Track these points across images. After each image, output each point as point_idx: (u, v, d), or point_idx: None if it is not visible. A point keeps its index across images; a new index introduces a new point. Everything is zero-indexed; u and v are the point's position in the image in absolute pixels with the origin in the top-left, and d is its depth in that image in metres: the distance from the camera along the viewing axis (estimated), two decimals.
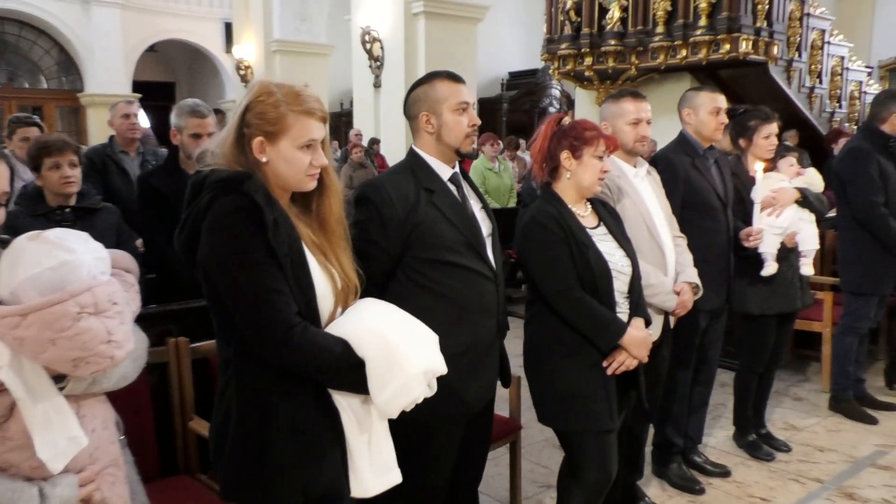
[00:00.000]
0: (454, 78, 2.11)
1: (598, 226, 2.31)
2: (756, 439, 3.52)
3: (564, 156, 2.24)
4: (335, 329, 1.56)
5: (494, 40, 12.95)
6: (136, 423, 2.35)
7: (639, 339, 2.21)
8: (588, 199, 2.34)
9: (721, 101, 2.95)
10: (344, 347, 1.51)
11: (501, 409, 2.86)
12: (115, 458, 1.39)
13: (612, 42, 7.03)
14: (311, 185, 1.60)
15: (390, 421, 1.63)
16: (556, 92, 13.29)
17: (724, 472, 3.27)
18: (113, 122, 3.93)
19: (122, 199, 3.57)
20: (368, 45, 10.57)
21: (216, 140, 1.61)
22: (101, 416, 1.38)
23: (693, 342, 3.06)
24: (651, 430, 3.14)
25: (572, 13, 7.33)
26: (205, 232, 1.47)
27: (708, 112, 2.93)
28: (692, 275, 2.73)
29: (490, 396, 2.23)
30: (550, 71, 8.50)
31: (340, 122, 14.48)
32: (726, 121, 2.98)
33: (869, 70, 8.91)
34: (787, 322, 3.43)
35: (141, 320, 2.63)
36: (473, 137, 2.13)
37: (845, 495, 3.11)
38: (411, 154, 2.15)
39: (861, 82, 8.00)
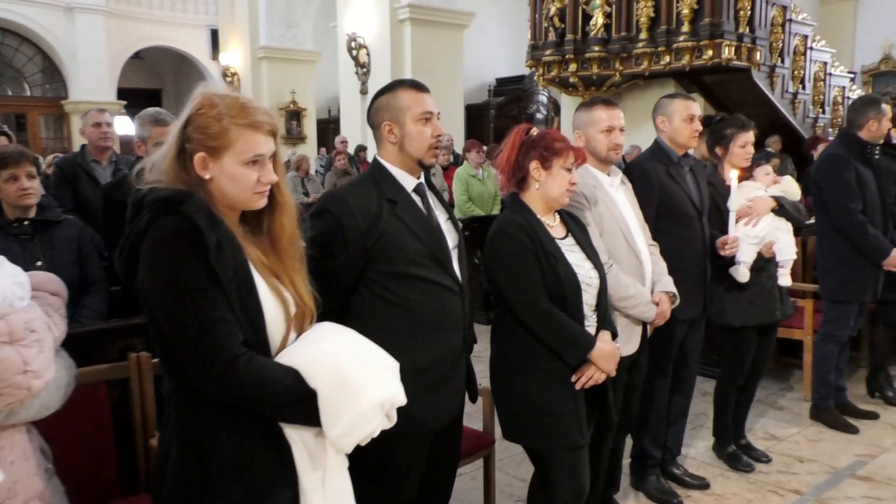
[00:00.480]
0: (418, 87, 2.06)
1: (567, 236, 2.27)
2: (736, 450, 3.47)
3: (533, 166, 2.20)
4: (286, 358, 1.46)
5: (481, 47, 12.96)
6: (95, 440, 2.30)
7: (607, 353, 2.17)
8: (556, 210, 2.30)
9: (695, 108, 2.91)
10: (294, 378, 1.42)
11: (475, 422, 2.82)
12: (39, 490, 1.32)
13: (596, 48, 7.04)
14: (261, 202, 1.51)
15: None
16: (543, 98, 13.30)
17: (702, 485, 3.22)
18: (84, 130, 3.87)
19: (92, 208, 3.51)
20: (355, 52, 10.55)
21: (155, 156, 1.50)
22: (21, 447, 1.31)
23: (670, 352, 3.02)
24: (629, 443, 3.10)
25: (556, 20, 7.33)
26: (142, 256, 1.38)
27: (682, 119, 2.89)
28: (668, 283, 2.69)
29: (457, 411, 2.17)
30: (535, 77, 8.50)
31: (328, 129, 14.44)
32: (700, 128, 2.94)
33: (852, 76, 8.94)
34: (768, 333, 3.39)
35: (103, 334, 2.57)
36: (437, 150, 2.09)
37: None
38: (374, 164, 2.11)
39: (844, 88, 8.04)
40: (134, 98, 14.97)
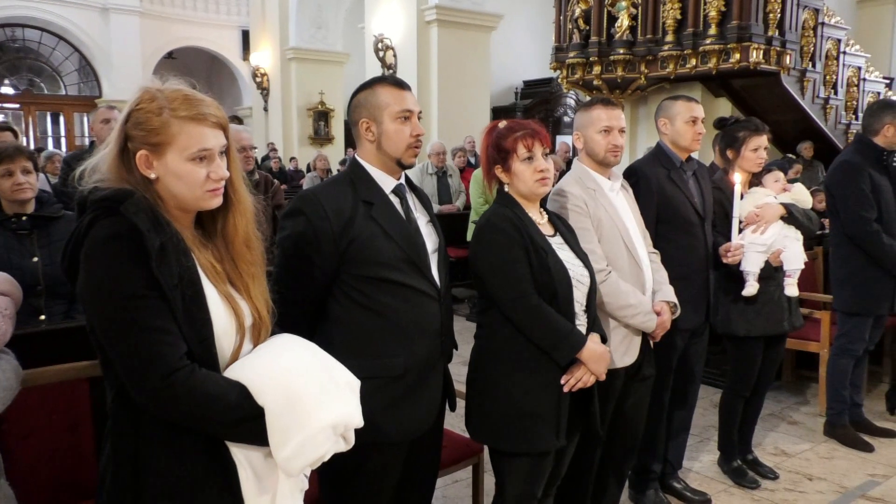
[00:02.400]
0: (398, 84, 2.01)
1: (555, 235, 2.20)
2: (741, 465, 3.35)
3: (498, 171, 2.15)
4: (235, 372, 1.37)
5: (509, 49, 12.87)
6: (72, 439, 2.29)
7: (598, 354, 2.09)
8: (545, 210, 2.24)
9: (698, 110, 2.81)
10: (240, 394, 1.32)
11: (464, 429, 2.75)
12: None
13: (621, 51, 6.94)
14: (215, 202, 1.40)
15: None
16: (570, 101, 13.15)
17: (703, 500, 3.11)
18: (94, 126, 3.91)
19: None
20: (381, 53, 10.57)
21: (98, 155, 1.40)
22: None
23: (671, 363, 2.92)
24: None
25: (581, 21, 7.23)
26: (81, 259, 1.30)
27: (684, 122, 2.79)
28: (669, 293, 2.59)
29: (434, 420, 2.10)
30: (559, 79, 8.40)
31: None
32: (703, 131, 2.84)
33: (888, 81, 8.66)
34: (776, 345, 3.26)
35: (83, 333, 2.57)
36: (417, 149, 2.03)
37: None
38: (352, 164, 2.05)
39: (879, 94, 7.78)
40: None
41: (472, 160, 8.38)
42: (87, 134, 15.71)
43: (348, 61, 14.22)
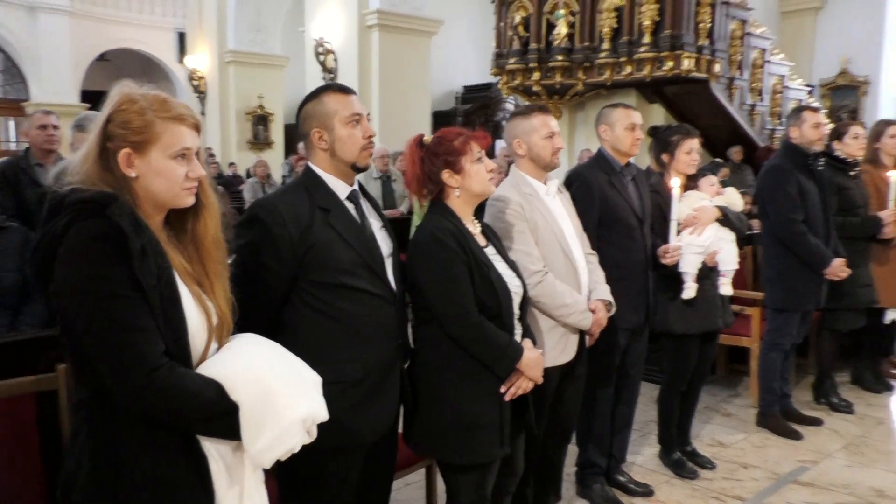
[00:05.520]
0: (343, 90, 2.05)
1: (488, 245, 2.25)
2: (681, 457, 3.50)
3: (446, 175, 2.14)
4: (207, 370, 1.44)
5: (449, 54, 12.99)
6: (19, 455, 2.22)
7: (534, 360, 2.17)
8: (477, 220, 2.27)
9: (636, 117, 2.94)
10: (217, 391, 1.39)
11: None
12: None
13: (560, 58, 7.09)
14: (189, 200, 1.48)
15: None
16: (510, 106, 13.35)
17: (647, 492, 3.25)
18: (29, 132, 3.80)
19: (34, 213, 3.44)
20: (322, 58, 10.51)
21: (76, 157, 1.48)
22: None
23: (612, 361, 3.04)
24: (574, 451, 3.12)
25: (521, 28, 7.37)
26: (60, 259, 1.33)
27: (624, 128, 2.92)
28: (605, 292, 2.70)
29: (391, 422, 2.15)
30: (499, 85, 8.53)
31: (295, 135, 14.24)
32: (642, 136, 2.98)
33: (809, 89, 9.12)
34: (710, 341, 3.43)
35: (31, 345, 2.50)
36: (370, 150, 2.07)
37: None
38: (306, 171, 2.08)
39: (801, 100, 8.17)
40: (98, 101, 14.67)
41: None
42: (13, 138, 15.11)
43: (288, 65, 14.09)
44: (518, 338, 2.21)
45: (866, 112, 11.29)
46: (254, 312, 1.84)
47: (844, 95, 11.62)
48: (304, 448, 1.50)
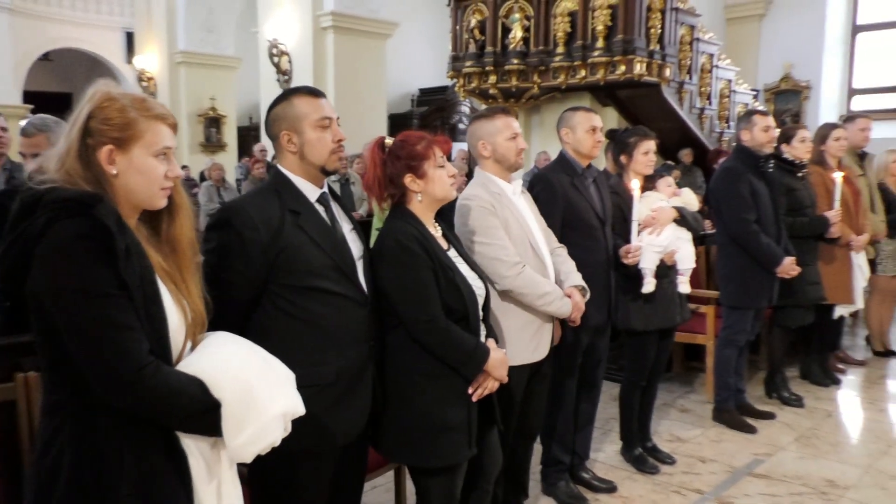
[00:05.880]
0: (314, 93, 2.04)
1: (450, 248, 2.26)
2: (642, 453, 3.59)
3: (408, 180, 2.14)
4: (189, 368, 1.45)
5: (405, 56, 13.01)
6: None
7: (500, 360, 2.20)
8: (437, 224, 2.27)
9: (596, 120, 3.01)
10: (201, 388, 1.41)
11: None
12: None
13: (515, 61, 7.17)
14: (163, 201, 1.49)
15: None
16: (465, 109, 13.44)
17: (610, 488, 3.31)
18: None
19: None
20: (276, 59, 10.42)
21: (52, 155, 1.45)
22: None
23: (575, 359, 3.09)
24: (539, 449, 3.16)
25: (476, 32, 7.42)
26: (40, 258, 1.32)
27: (585, 131, 2.98)
28: (578, 278, 2.74)
29: (363, 424, 2.14)
30: (456, 88, 8.58)
31: (249, 137, 14.17)
32: (602, 139, 3.04)
33: (755, 93, 9.41)
34: (667, 336, 3.53)
35: None
36: (340, 154, 2.07)
37: None
38: (276, 174, 2.06)
39: (747, 104, 8.43)
40: (42, 102, 14.24)
41: None
42: None
43: (241, 66, 13.90)
44: (482, 339, 2.23)
45: (808, 116, 11.71)
46: (223, 316, 1.82)
47: (788, 100, 12.02)
48: (277, 451, 1.52)
